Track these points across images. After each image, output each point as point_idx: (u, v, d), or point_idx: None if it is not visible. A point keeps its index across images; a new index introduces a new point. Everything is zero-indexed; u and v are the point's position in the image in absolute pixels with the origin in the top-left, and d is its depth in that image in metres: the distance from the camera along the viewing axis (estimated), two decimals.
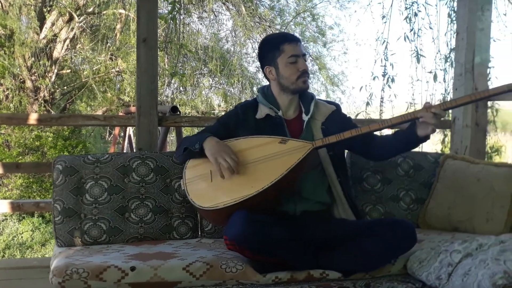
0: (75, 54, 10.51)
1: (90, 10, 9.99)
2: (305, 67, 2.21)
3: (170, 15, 3.18)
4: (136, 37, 2.55)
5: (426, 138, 2.07)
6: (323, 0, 8.89)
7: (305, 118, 2.25)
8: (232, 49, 9.40)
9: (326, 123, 2.25)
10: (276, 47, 2.23)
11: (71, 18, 9.46)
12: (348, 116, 2.41)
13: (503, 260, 1.85)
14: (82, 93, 11.01)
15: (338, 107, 2.36)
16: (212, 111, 10.50)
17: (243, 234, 1.88)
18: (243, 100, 9.55)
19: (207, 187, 2.09)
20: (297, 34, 9.27)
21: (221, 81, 10.22)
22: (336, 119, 2.28)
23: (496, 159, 3.90)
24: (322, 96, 9.35)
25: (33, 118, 2.84)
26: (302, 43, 2.33)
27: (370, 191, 2.70)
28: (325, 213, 2.22)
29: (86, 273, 1.84)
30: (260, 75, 9.85)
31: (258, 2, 9.25)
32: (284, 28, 9.06)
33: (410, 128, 2.09)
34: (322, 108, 2.30)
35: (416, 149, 2.44)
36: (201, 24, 9.42)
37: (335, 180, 2.21)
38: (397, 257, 2.10)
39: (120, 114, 5.91)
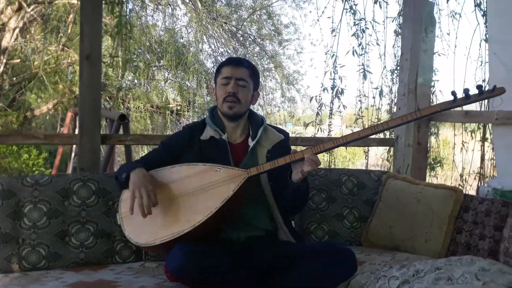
0: (25, 44, 10.14)
1: None
2: (233, 90, 2.16)
3: (116, 29, 3.10)
4: (79, 53, 2.47)
5: (302, 182, 2.08)
6: None
7: (251, 143, 2.23)
8: (188, 44, 9.28)
9: (271, 151, 2.24)
10: (218, 69, 2.25)
11: (20, 7, 9.11)
12: (293, 149, 2.36)
13: None
14: (33, 84, 10.63)
15: (286, 136, 2.34)
16: (168, 105, 10.35)
17: (182, 268, 1.87)
18: (198, 95, 9.46)
19: (143, 221, 2.02)
20: (253, 31, 9.24)
21: (177, 75, 10.09)
22: (282, 149, 2.26)
23: (438, 170, 4.03)
24: (278, 95, 9.37)
25: None
26: (248, 69, 2.23)
27: (315, 209, 2.74)
28: (270, 237, 2.22)
29: None
30: None
31: None
32: (241, 24, 9.02)
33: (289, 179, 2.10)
34: (271, 135, 2.29)
35: (361, 167, 2.48)
36: (152, 17, 9.25)
37: (276, 210, 2.22)
38: (338, 284, 2.13)
39: (69, 113, 5.75)
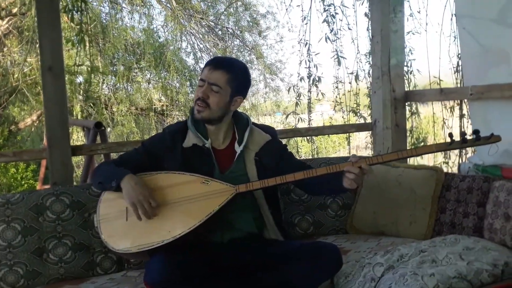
0: (3, 57, 10.02)
1: (15, 10, 9.53)
2: (202, 95, 2.04)
3: (78, 37, 3.02)
4: (40, 66, 2.40)
5: (350, 189, 2.01)
6: None
7: (238, 149, 2.13)
8: (166, 43, 9.20)
9: (259, 154, 2.15)
10: (203, 68, 2.12)
11: None
12: (283, 144, 2.30)
13: (421, 275, 1.89)
14: (15, 97, 10.53)
15: (273, 135, 2.24)
16: (152, 106, 10.28)
17: (161, 281, 1.80)
18: (180, 94, 9.38)
19: (121, 226, 2.00)
20: (231, 24, 9.15)
21: (161, 75, 10.01)
22: (271, 149, 2.18)
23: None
24: (261, 86, 9.32)
25: None
26: (227, 73, 2.07)
27: (298, 201, 2.71)
28: (254, 237, 2.16)
29: None
30: (201, 65, 9.70)
31: None
32: (218, 19, 8.95)
33: (338, 177, 2.00)
34: (257, 137, 2.18)
35: (342, 154, 2.44)
36: (129, 19, 9.17)
37: (267, 211, 2.15)
38: (324, 281, 2.07)
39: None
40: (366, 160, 1.95)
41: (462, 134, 1.92)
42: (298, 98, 4.08)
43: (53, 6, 2.44)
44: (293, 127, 4.10)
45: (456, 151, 3.55)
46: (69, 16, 2.83)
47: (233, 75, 2.08)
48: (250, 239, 2.14)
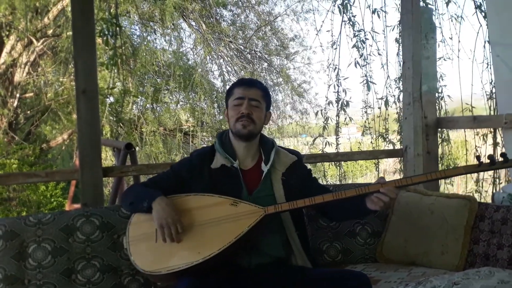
0: (37, 77, 10.30)
1: (50, 32, 9.81)
2: (248, 111, 2.11)
3: (112, 61, 3.08)
4: (75, 88, 2.45)
5: (376, 211, 2.05)
6: (282, 13, 8.92)
7: (265, 168, 2.16)
8: (195, 65, 9.33)
9: (286, 174, 2.18)
10: (230, 90, 2.21)
11: (30, 42, 9.27)
12: (308, 169, 2.34)
13: None
14: (47, 116, 10.78)
15: (299, 157, 2.28)
16: (181, 127, 10.38)
17: None
18: (207, 115, 9.46)
19: (151, 248, 2.01)
20: (260, 48, 9.23)
21: (189, 96, 10.12)
22: (297, 170, 2.22)
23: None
24: (288, 108, 9.35)
25: None
26: (260, 90, 2.19)
27: (326, 228, 2.68)
28: (282, 263, 2.15)
29: None
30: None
31: (219, 17, 9.20)
32: (246, 42, 9.05)
33: (362, 200, 2.03)
34: (283, 157, 2.23)
35: (369, 178, 2.41)
36: (159, 41, 9.35)
37: (294, 233, 2.15)
38: None
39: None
40: (395, 182, 1.97)
41: (490, 156, 1.92)
42: (325, 122, 4.07)
43: (89, 31, 2.51)
44: (320, 151, 4.08)
45: (489, 180, 3.47)
46: (104, 40, 2.91)
47: (265, 91, 2.22)
48: (277, 265, 2.13)
